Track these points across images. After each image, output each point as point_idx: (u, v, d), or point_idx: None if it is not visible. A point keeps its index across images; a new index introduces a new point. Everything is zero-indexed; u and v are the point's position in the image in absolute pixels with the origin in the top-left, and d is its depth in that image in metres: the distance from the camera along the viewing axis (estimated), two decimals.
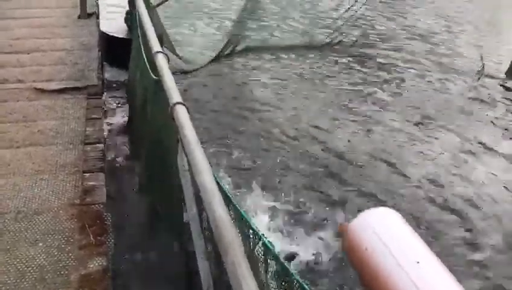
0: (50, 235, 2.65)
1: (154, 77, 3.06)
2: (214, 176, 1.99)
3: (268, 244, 1.78)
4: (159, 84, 2.82)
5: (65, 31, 5.76)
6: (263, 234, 1.79)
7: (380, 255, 1.90)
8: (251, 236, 1.86)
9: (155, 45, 3.11)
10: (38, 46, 5.27)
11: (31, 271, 2.40)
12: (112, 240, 2.71)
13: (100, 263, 2.51)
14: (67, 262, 2.49)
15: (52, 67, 4.80)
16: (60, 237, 2.64)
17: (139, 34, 4.19)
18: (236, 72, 7.97)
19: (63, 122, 3.80)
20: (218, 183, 1.94)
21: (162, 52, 2.92)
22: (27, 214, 2.79)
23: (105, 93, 5.99)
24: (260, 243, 1.79)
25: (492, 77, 8.47)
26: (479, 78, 8.33)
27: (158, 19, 6.42)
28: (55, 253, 2.53)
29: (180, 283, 2.64)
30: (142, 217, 3.41)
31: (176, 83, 2.53)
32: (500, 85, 8.26)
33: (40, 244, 2.58)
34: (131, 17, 5.75)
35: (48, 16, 6.24)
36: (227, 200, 1.96)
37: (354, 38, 9.76)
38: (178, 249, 2.70)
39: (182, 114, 2.20)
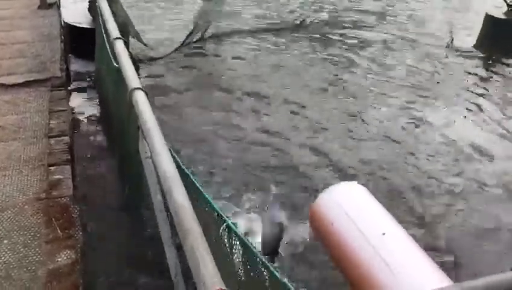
0: (15, 232, 2.58)
1: (116, 65, 3.00)
2: (177, 160, 1.96)
3: (233, 226, 1.77)
4: (120, 72, 2.76)
5: (25, 22, 5.57)
6: (228, 217, 1.78)
7: (346, 229, 1.90)
8: (216, 218, 1.85)
9: (113, 32, 3.04)
10: None
11: None
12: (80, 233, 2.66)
13: (69, 257, 2.46)
14: (34, 257, 2.43)
15: (13, 60, 4.65)
16: (25, 232, 2.58)
17: (101, 23, 4.11)
18: (205, 56, 7.87)
19: (25, 116, 3.69)
20: (180, 167, 1.91)
21: (120, 38, 2.86)
22: None
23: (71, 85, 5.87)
24: (224, 225, 1.78)
25: (461, 50, 8.62)
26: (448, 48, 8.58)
27: (122, 8, 6.26)
28: (21, 249, 2.47)
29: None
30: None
31: (142, 71, 2.49)
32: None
33: (5, 241, 2.52)
34: (95, 7, 5.60)
35: (5, 7, 6.03)
36: (192, 184, 1.94)
37: (324, 18, 9.78)
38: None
39: (140, 99, 2.16)
